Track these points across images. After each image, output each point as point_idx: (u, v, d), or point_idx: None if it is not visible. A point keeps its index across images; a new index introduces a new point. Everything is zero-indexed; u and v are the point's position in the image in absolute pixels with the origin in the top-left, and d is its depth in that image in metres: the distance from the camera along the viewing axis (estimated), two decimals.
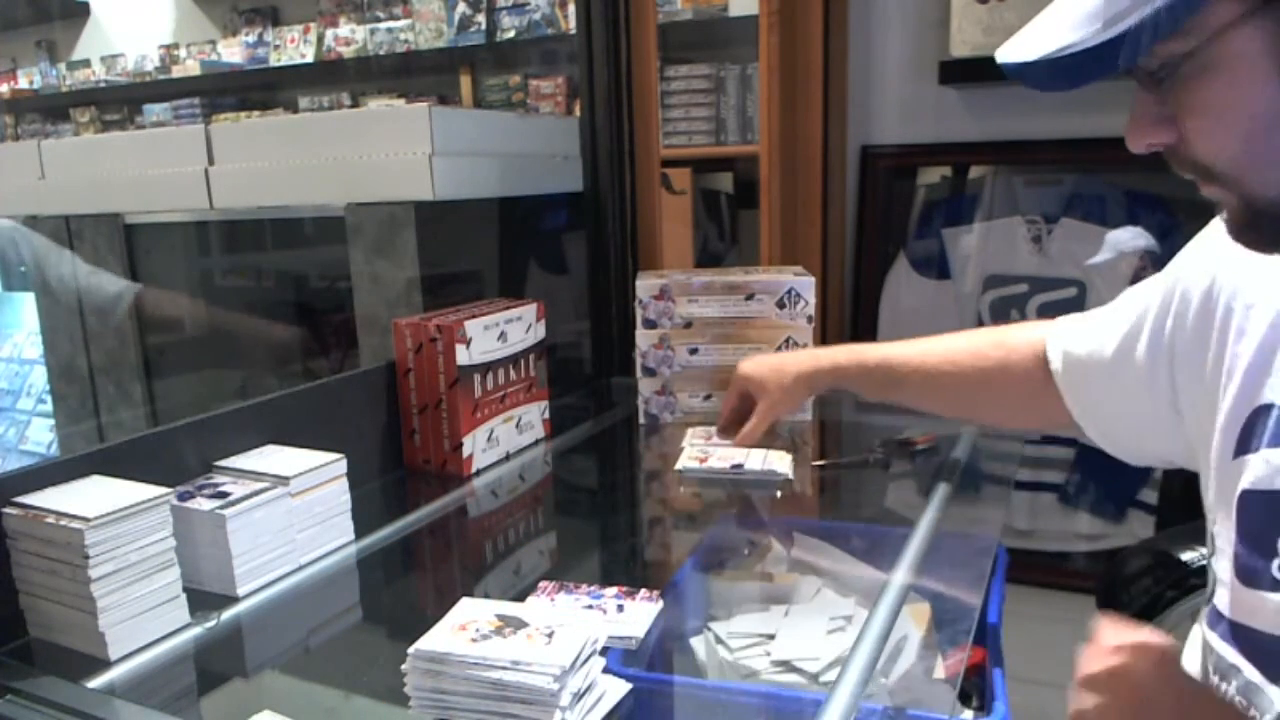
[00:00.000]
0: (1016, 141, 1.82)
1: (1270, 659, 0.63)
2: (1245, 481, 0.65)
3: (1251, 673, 0.64)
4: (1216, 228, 0.76)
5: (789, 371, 1.22)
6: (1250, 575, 0.64)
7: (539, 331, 1.45)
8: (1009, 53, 0.56)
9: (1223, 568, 0.68)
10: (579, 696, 0.71)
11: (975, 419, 1.27)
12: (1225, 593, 0.67)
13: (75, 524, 0.81)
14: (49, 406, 2.24)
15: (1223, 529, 0.68)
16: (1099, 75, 0.52)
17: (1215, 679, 0.68)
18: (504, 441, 1.40)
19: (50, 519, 0.83)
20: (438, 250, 1.48)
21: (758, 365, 1.27)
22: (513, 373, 1.40)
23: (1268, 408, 0.65)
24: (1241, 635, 0.66)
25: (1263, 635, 0.63)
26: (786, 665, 0.88)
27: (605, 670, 0.76)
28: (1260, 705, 0.62)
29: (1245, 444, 0.66)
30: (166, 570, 0.88)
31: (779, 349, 1.50)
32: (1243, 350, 0.68)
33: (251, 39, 3.79)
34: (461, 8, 3.22)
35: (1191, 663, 0.73)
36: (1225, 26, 0.51)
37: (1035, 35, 0.55)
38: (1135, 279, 1.75)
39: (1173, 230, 1.73)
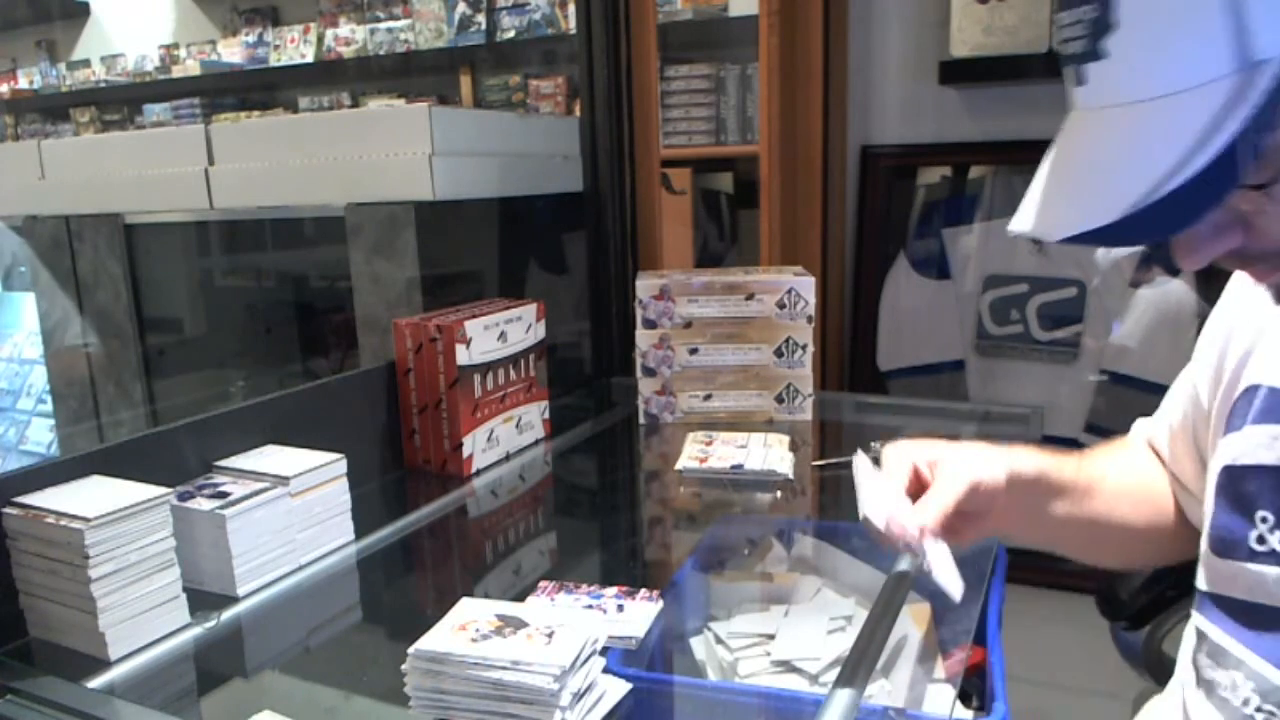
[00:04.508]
0: (1016, 141, 1.82)
1: (1248, 628, 0.64)
2: (1226, 458, 0.67)
3: (1227, 641, 0.65)
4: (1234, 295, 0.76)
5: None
6: (1226, 546, 0.65)
7: (539, 331, 1.45)
8: (1064, 221, 0.47)
9: (1201, 545, 0.69)
10: (579, 696, 0.71)
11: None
12: (1202, 566, 0.69)
13: (75, 524, 0.81)
14: (49, 406, 2.24)
15: (1206, 508, 0.69)
16: (1219, 197, 0.45)
17: (1197, 646, 0.70)
18: (504, 441, 1.40)
19: (50, 519, 0.83)
20: (438, 250, 1.48)
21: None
22: (513, 373, 1.40)
23: (1253, 388, 0.67)
24: (1216, 605, 0.67)
25: (1237, 603, 0.64)
26: (786, 665, 0.88)
27: (605, 670, 0.76)
28: (1225, 664, 0.63)
29: (1233, 423, 0.68)
30: (166, 570, 0.88)
31: (779, 349, 1.50)
32: (1240, 341, 0.70)
33: (251, 39, 3.79)
34: (461, 8, 3.22)
35: (1185, 647, 0.74)
36: None
37: (1078, 191, 0.47)
38: (1135, 280, 1.75)
39: None
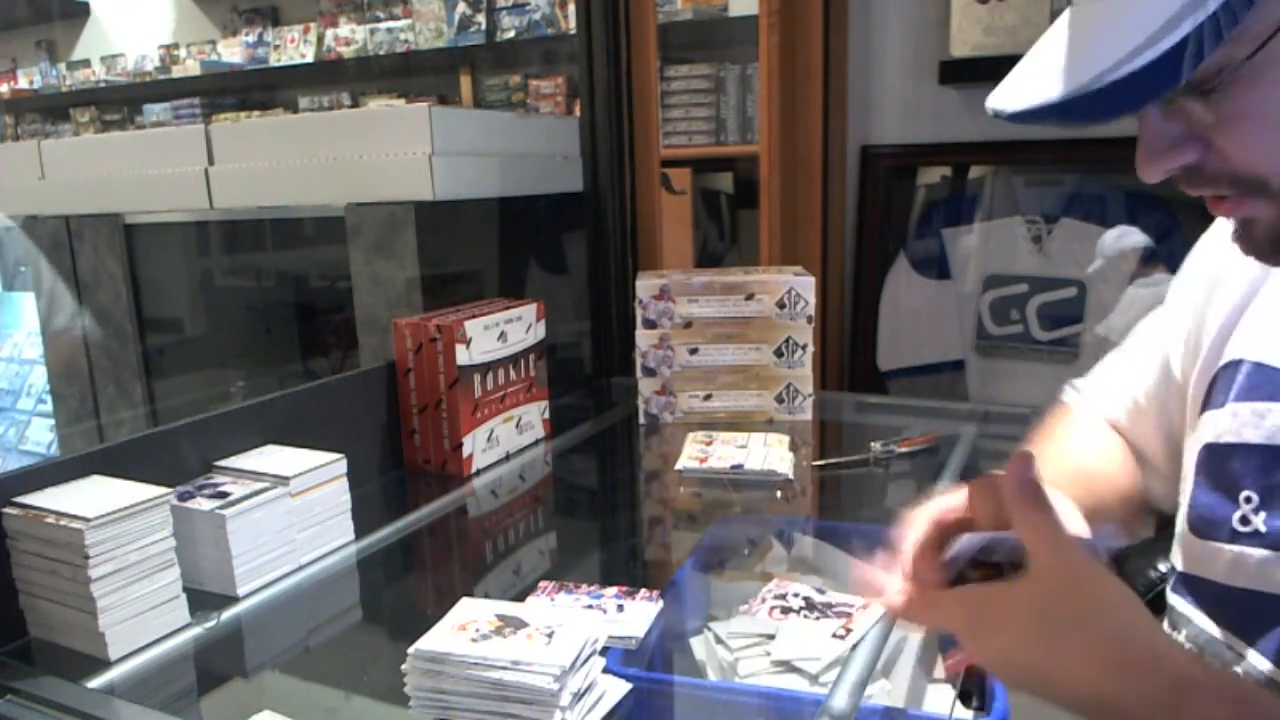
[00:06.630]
0: (1016, 141, 1.82)
1: (1226, 610, 0.63)
2: (1208, 435, 0.66)
3: (1205, 622, 0.64)
4: (1212, 242, 0.76)
5: None
6: (1206, 527, 0.64)
7: (539, 331, 1.45)
8: (1022, 96, 0.49)
9: (1179, 523, 0.68)
10: (579, 696, 0.71)
11: None
12: (1179, 546, 0.68)
13: (75, 524, 0.81)
14: (49, 406, 2.24)
15: (1185, 487, 0.69)
16: (1160, 94, 0.46)
17: (1170, 627, 0.69)
18: (504, 441, 1.40)
19: (50, 519, 0.83)
20: (438, 250, 1.48)
21: None
22: (513, 373, 1.40)
23: (1235, 364, 0.65)
24: (1193, 586, 0.66)
25: (1216, 585, 0.63)
26: (786, 665, 0.88)
27: (605, 670, 0.76)
28: (1218, 655, 0.62)
29: (1213, 399, 0.67)
30: (166, 570, 0.88)
31: (779, 349, 1.50)
32: (1218, 312, 0.69)
33: (251, 39, 3.79)
34: (461, 8, 3.22)
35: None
36: None
37: (1045, 72, 0.49)
38: (1135, 278, 1.75)
39: (1172, 230, 1.73)
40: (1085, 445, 0.84)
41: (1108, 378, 0.86)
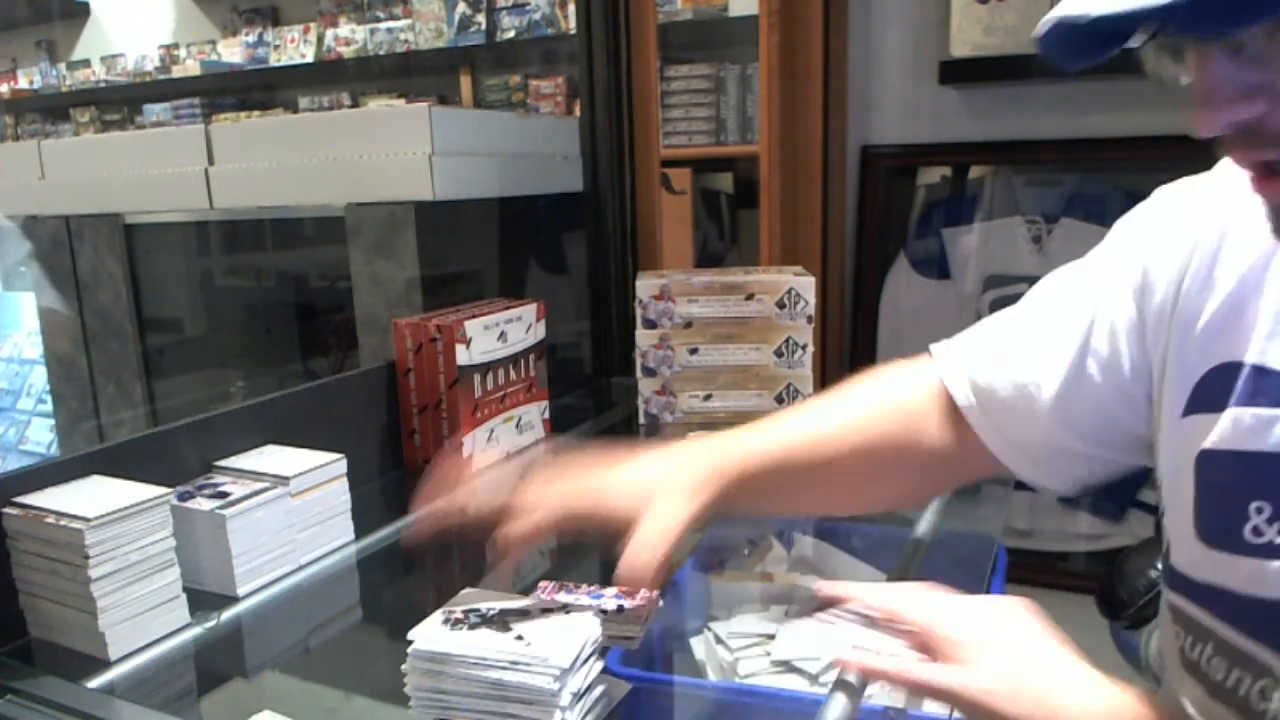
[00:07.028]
0: (1016, 141, 1.82)
1: (1250, 621, 0.61)
2: (1207, 441, 0.63)
3: (1228, 633, 0.62)
4: (1170, 205, 0.73)
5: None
6: (1218, 538, 0.62)
7: (539, 331, 1.45)
8: (1097, 2, 0.44)
9: (1177, 528, 0.66)
10: (579, 696, 0.71)
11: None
12: (1186, 553, 0.65)
13: (75, 524, 0.81)
14: (49, 406, 2.24)
15: (1175, 489, 0.66)
16: (1272, 10, 0.42)
17: (1189, 639, 0.66)
18: (504, 441, 1.40)
19: (50, 519, 0.82)
20: (438, 250, 1.48)
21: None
22: (513, 373, 1.40)
23: (1235, 365, 0.62)
24: (1209, 595, 0.64)
25: (1237, 596, 0.61)
26: (786, 665, 0.88)
27: (605, 670, 0.76)
28: (1246, 666, 0.61)
29: (1202, 401, 0.64)
30: (166, 570, 0.88)
31: (779, 349, 1.50)
32: (1206, 304, 0.65)
33: (251, 39, 3.79)
34: (461, 8, 3.22)
35: (1164, 630, 0.72)
36: None
37: None
38: None
39: None
40: (891, 402, 0.85)
41: (997, 350, 0.82)
